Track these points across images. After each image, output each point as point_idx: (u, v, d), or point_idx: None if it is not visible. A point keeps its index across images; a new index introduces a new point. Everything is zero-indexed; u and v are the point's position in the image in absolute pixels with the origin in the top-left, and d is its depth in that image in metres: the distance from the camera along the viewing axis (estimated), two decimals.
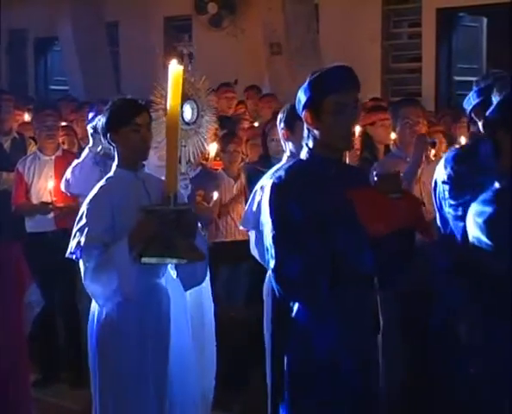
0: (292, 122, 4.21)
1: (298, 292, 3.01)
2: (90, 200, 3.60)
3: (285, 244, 2.97)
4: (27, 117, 7.90)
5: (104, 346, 3.60)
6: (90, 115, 5.34)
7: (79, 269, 3.52)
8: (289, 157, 4.27)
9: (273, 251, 2.99)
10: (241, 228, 4.41)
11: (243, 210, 5.95)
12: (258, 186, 4.28)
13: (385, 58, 11.71)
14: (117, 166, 3.71)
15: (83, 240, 3.46)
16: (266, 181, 4.10)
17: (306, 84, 3.11)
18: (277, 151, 5.65)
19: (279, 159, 5.70)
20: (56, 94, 13.79)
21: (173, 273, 3.69)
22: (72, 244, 3.52)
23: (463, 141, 6.48)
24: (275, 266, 2.99)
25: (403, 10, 11.85)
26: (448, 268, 3.58)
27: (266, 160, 5.71)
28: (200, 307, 4.01)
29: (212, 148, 5.63)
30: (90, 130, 5.08)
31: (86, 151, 5.21)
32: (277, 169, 4.21)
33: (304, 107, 3.09)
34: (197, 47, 11.03)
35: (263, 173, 5.72)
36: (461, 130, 6.75)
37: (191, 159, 3.80)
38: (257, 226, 4.06)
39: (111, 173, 3.73)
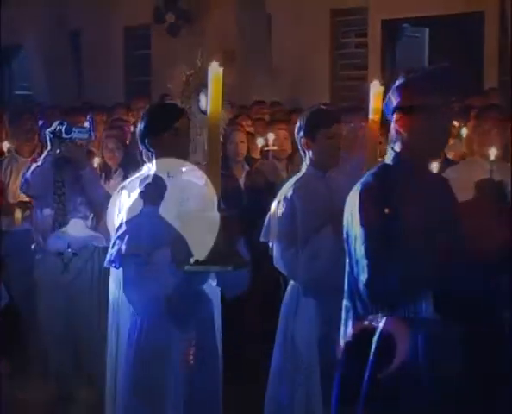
0: (313, 131, 4.06)
1: (396, 308, 2.71)
2: (129, 207, 3.45)
3: (381, 255, 2.67)
4: None
5: (146, 354, 3.45)
6: (40, 122, 5.57)
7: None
8: (308, 165, 4.12)
9: (365, 263, 2.69)
10: (262, 240, 4.17)
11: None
12: (280, 197, 4.08)
13: (334, 66, 12.28)
14: (156, 171, 3.58)
15: (123, 248, 3.35)
16: (287, 191, 4.05)
17: (399, 83, 2.85)
18: (235, 153, 5.96)
19: (237, 162, 5.93)
20: (20, 99, 14.02)
21: (212, 282, 3.53)
22: (112, 252, 3.41)
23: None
24: (368, 279, 2.68)
25: (351, 21, 12.42)
26: None
27: (225, 163, 5.77)
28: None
29: None
30: (49, 135, 5.13)
31: (44, 154, 5.27)
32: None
33: (396, 109, 2.84)
34: (156, 56, 11.33)
35: (221, 175, 5.94)
36: None
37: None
38: (282, 238, 4.01)
39: (150, 180, 3.54)
